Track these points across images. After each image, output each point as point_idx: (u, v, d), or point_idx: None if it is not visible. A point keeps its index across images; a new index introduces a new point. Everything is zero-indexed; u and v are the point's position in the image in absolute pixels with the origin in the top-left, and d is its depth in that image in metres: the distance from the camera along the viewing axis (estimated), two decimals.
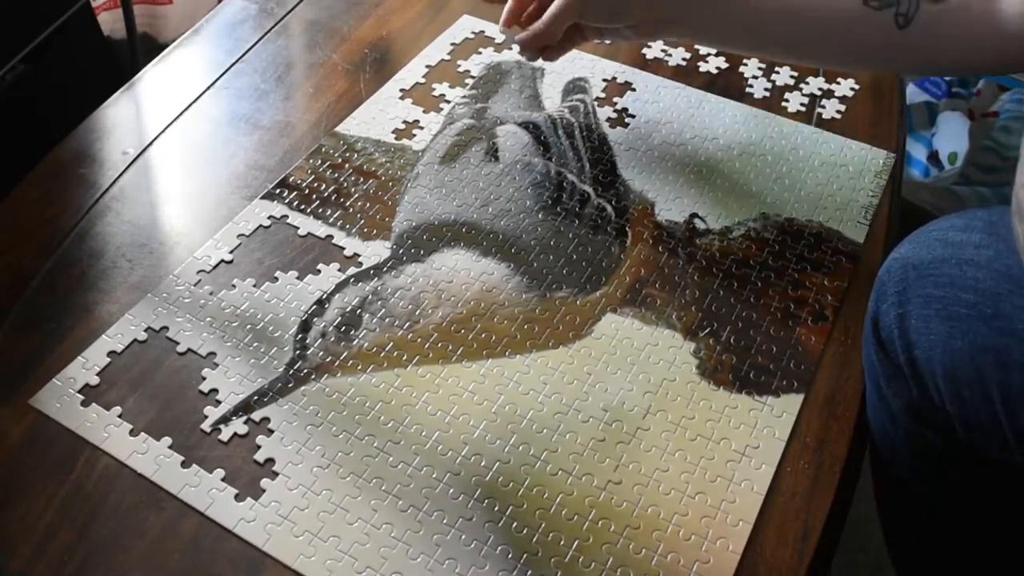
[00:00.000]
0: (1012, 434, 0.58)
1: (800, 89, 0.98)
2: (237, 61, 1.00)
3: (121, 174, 0.86)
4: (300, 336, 0.72)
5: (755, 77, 0.99)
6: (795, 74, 1.00)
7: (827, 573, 0.65)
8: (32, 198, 0.83)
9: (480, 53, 1.01)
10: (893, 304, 0.65)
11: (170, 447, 0.65)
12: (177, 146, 0.90)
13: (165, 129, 0.91)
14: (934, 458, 0.67)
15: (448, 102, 0.95)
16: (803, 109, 0.96)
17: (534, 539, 0.61)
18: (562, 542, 0.61)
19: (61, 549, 0.60)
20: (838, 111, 0.96)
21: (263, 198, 0.83)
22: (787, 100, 0.97)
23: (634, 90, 0.97)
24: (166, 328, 0.72)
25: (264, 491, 0.63)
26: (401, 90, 0.96)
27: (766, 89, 0.98)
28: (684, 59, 1.01)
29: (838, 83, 0.99)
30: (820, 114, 0.96)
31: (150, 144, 0.90)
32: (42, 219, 0.81)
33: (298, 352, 0.71)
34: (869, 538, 1.07)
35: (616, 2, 0.79)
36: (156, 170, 0.87)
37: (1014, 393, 0.57)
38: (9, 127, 1.02)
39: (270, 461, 0.65)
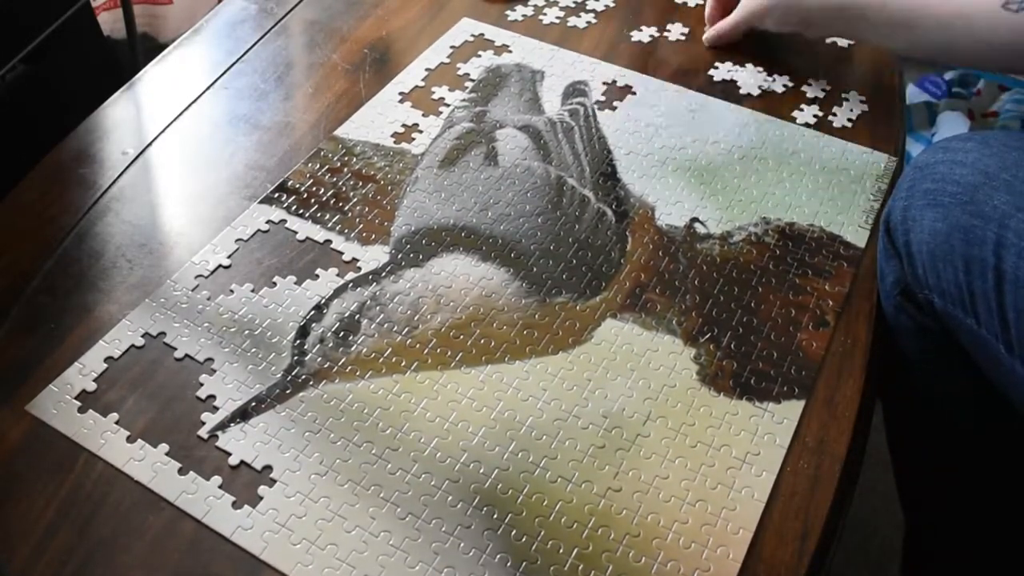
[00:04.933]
0: (968, 296, 0.70)
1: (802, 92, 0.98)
2: (237, 61, 1.00)
3: (121, 174, 0.86)
4: (298, 342, 0.72)
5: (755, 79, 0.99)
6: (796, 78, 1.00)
7: (827, 573, 0.65)
8: (32, 198, 0.83)
9: (479, 56, 1.00)
10: (901, 199, 0.75)
11: (167, 454, 0.65)
12: (177, 146, 0.90)
13: (165, 129, 0.91)
14: (912, 332, 0.77)
15: (447, 105, 0.94)
16: (804, 110, 0.95)
17: (533, 547, 0.61)
18: (561, 550, 0.61)
19: (61, 549, 0.60)
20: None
21: (261, 202, 0.83)
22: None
23: (634, 93, 0.96)
24: (163, 334, 0.72)
25: (262, 498, 0.63)
26: (400, 93, 0.95)
27: (766, 91, 0.98)
28: (684, 62, 1.01)
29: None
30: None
31: (150, 144, 0.89)
32: (42, 219, 0.81)
33: (296, 358, 0.71)
34: (869, 538, 1.07)
35: (796, 22, 0.95)
36: (156, 170, 0.87)
37: (972, 263, 0.69)
38: (9, 127, 1.02)
39: (268, 468, 0.64)
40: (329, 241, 0.80)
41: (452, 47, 1.02)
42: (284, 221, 0.82)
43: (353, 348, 0.72)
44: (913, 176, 0.75)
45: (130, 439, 0.66)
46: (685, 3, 1.09)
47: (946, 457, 0.84)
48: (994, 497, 0.83)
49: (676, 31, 1.05)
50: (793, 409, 0.70)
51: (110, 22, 1.42)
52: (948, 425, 0.82)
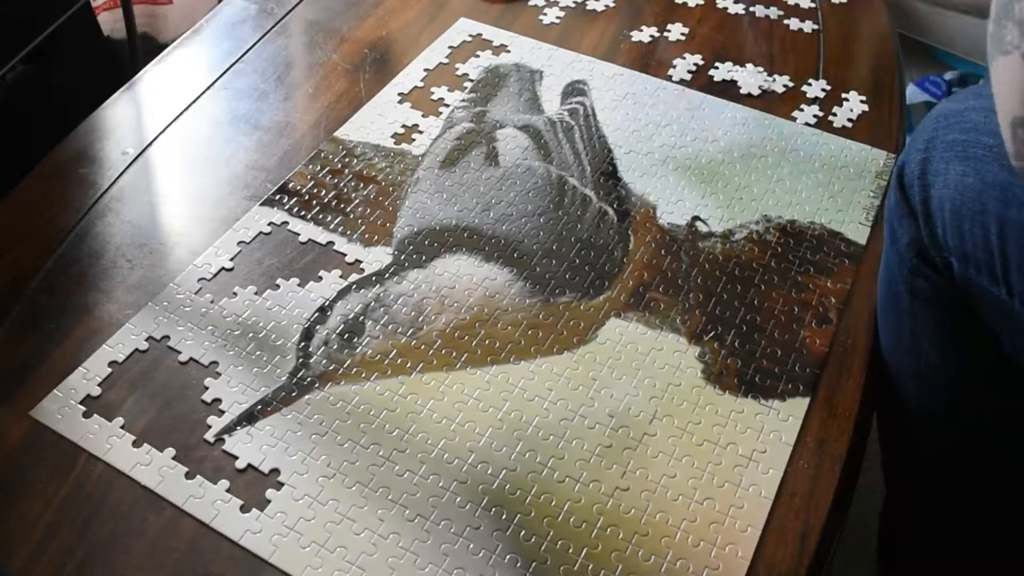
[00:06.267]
0: (1000, 263, 0.63)
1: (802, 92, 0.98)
2: (237, 61, 0.99)
3: (121, 174, 0.86)
4: (303, 344, 0.72)
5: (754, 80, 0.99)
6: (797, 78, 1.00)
7: (827, 573, 0.65)
8: (32, 198, 0.83)
9: (478, 56, 1.00)
10: (920, 150, 0.69)
11: (174, 458, 0.65)
12: (177, 146, 0.90)
13: (165, 129, 0.91)
14: (930, 299, 0.71)
15: (447, 106, 0.94)
16: (804, 111, 0.96)
17: (542, 547, 0.61)
18: (571, 550, 0.61)
19: (61, 549, 0.60)
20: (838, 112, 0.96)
21: (263, 204, 0.83)
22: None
23: (634, 93, 0.96)
24: (167, 337, 0.72)
25: (270, 502, 0.63)
26: (400, 94, 0.95)
27: (766, 91, 0.98)
28: (685, 62, 1.01)
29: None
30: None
31: (150, 144, 0.89)
32: (42, 219, 0.81)
33: (301, 360, 0.71)
34: (869, 538, 1.07)
35: None
36: (156, 170, 0.87)
37: (1009, 225, 0.62)
38: (9, 127, 1.02)
39: (275, 471, 0.64)
40: (332, 243, 0.80)
41: (450, 47, 1.01)
42: (286, 223, 0.81)
43: (358, 350, 0.72)
44: (935, 126, 0.69)
45: (136, 443, 0.66)
46: (685, 3, 1.09)
47: (951, 432, 0.78)
48: (1003, 484, 0.79)
49: (676, 31, 1.05)
50: (798, 406, 0.70)
51: (110, 22, 1.42)
52: (957, 402, 0.76)
